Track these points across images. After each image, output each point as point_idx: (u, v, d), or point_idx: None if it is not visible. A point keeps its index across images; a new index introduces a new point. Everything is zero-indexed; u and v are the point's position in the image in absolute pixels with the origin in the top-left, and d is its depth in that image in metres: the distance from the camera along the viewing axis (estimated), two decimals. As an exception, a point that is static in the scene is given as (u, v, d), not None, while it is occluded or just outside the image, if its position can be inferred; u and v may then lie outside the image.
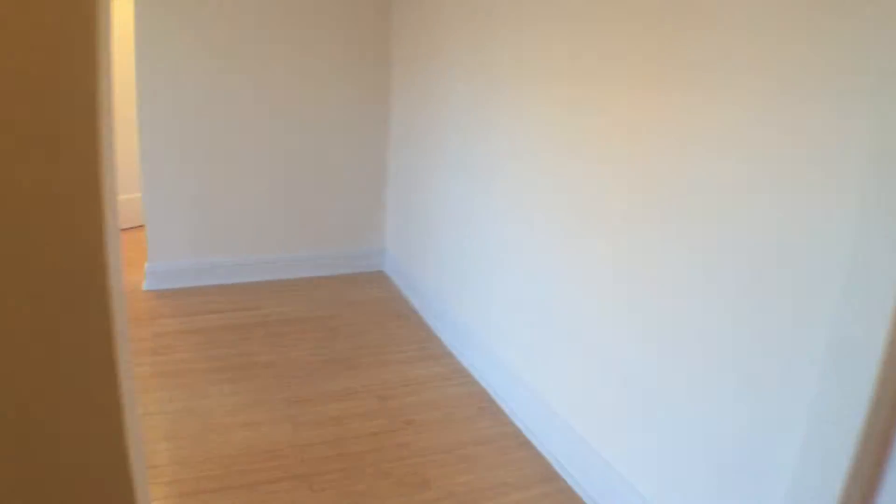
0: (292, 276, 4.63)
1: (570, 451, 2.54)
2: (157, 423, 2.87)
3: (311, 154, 4.50)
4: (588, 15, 2.31)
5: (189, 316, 4.00)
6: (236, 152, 4.36)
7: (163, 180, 4.28)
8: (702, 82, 1.82)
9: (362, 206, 4.70)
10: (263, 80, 4.28)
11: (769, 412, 1.67)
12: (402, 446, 2.73)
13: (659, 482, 2.10)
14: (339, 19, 4.31)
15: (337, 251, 4.71)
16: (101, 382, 1.08)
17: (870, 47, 1.37)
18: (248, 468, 2.57)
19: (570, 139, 2.46)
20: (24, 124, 0.94)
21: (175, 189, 4.32)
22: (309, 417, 2.92)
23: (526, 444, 2.78)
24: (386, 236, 4.76)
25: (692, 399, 1.92)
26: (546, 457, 2.68)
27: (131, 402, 1.19)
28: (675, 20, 1.90)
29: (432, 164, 3.79)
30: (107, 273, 1.02)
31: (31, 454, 1.06)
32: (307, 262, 4.66)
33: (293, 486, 2.47)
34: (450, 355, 3.49)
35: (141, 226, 4.47)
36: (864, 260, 1.40)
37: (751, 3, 1.65)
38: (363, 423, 2.89)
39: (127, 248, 5.16)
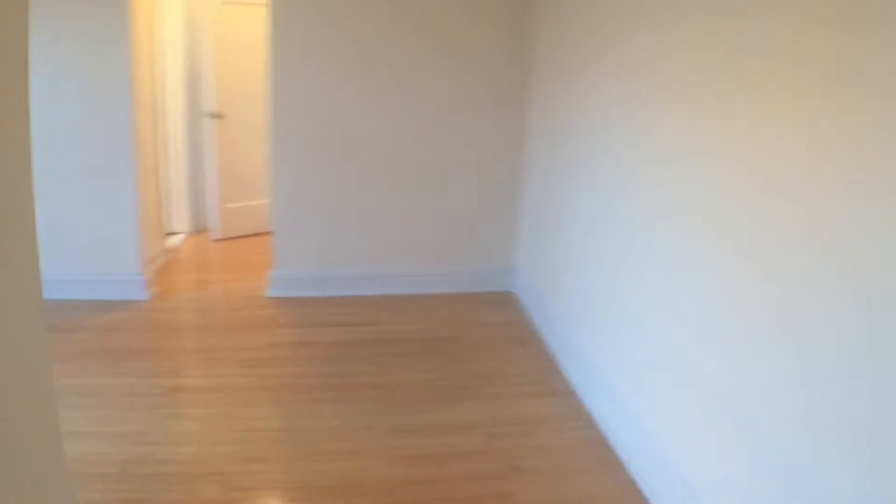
0: (417, 291, 4.45)
1: (699, 527, 2.15)
2: (256, 441, 2.74)
3: (443, 166, 4.30)
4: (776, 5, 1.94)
5: (306, 328, 3.90)
6: (365, 163, 4.24)
7: (291, 188, 4.24)
8: None
9: (494, 222, 4.44)
10: (394, 91, 4.14)
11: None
12: (505, 497, 2.44)
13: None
14: (475, 24, 4.09)
15: (465, 268, 4.48)
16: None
17: None
18: (335, 503, 2.37)
19: (736, 164, 2.09)
20: None
21: (303, 198, 4.26)
22: (409, 451, 2.69)
23: (647, 509, 2.41)
24: (518, 255, 4.48)
25: (859, 487, 1.51)
26: (670, 527, 2.30)
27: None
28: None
29: (570, 180, 3.47)
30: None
31: None
32: (434, 278, 4.46)
33: (378, 531, 2.25)
34: (572, 393, 3.16)
35: (269, 232, 4.46)
36: None
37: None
38: (466, 464, 2.63)
39: (255, 253, 5.17)
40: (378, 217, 4.34)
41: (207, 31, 5.14)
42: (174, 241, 5.49)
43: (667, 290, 2.39)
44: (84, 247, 4.25)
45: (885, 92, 1.41)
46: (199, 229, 5.88)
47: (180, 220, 5.78)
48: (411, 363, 3.45)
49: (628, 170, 2.73)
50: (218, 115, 5.25)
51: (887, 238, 1.41)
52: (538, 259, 4.00)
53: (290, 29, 4.01)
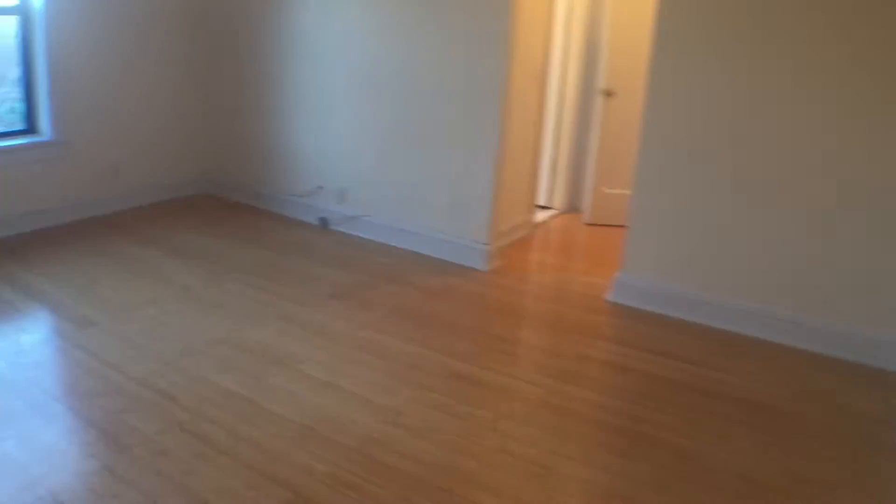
0: (775, 338, 3.60)
1: None
2: (502, 466, 2.45)
3: (848, 188, 3.35)
4: None
5: (629, 348, 3.43)
6: (748, 171, 3.54)
7: (655, 185, 3.80)
8: None
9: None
10: (797, 88, 3.35)
11: None
12: None
13: None
14: None
15: (849, 326, 3.46)
16: None
17: None
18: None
19: None
20: None
21: (667, 201, 3.77)
22: (663, 549, 2.15)
23: None
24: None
25: None
26: None
27: None
28: None
29: None
30: None
31: None
32: (803, 329, 3.56)
33: None
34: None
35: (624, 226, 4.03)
36: None
37: None
38: None
39: (618, 247, 4.76)
40: (750, 238, 3.59)
41: (607, 4, 4.79)
42: (542, 216, 5.37)
43: None
44: (442, 207, 4.34)
45: None
46: (572, 209, 5.68)
47: (555, 196, 5.64)
48: (727, 432, 2.78)
49: None
50: (608, 94, 4.90)
51: None
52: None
53: (679, 23, 3.55)
